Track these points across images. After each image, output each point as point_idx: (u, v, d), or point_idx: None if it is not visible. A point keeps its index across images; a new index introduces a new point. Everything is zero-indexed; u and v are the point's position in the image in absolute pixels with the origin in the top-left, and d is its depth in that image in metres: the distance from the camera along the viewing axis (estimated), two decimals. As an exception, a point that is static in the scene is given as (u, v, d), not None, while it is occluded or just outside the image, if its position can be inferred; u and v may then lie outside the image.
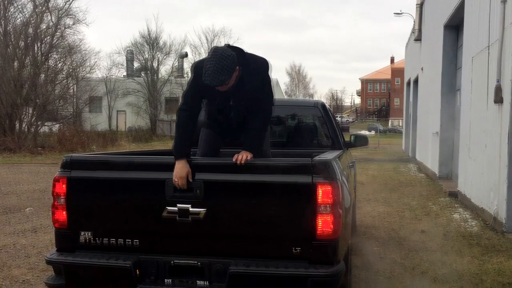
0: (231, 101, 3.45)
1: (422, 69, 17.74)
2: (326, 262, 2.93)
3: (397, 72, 72.15)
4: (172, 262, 3.03)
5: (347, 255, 3.48)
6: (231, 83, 3.24)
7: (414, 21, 20.16)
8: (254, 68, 3.40)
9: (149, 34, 44.47)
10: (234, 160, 3.09)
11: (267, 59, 3.50)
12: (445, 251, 5.86)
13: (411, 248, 5.97)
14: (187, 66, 44.96)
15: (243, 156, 3.10)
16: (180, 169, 3.04)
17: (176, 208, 3.01)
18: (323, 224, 2.93)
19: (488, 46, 7.86)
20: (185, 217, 2.99)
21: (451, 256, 5.65)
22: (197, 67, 3.37)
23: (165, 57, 45.33)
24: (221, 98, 3.42)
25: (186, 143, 3.26)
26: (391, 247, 6.03)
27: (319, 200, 2.93)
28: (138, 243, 3.10)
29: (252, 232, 3.02)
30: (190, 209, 3.00)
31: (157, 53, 45.03)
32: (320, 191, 2.93)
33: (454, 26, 12.17)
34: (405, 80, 26.37)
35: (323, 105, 5.37)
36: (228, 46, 3.33)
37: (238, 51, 3.33)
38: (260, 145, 3.51)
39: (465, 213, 8.38)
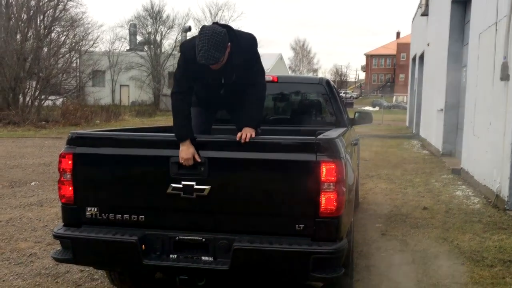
0: (222, 79, 3.45)
1: (428, 44, 17.54)
2: (329, 239, 2.97)
3: (403, 47, 71.38)
4: (177, 237, 3.07)
5: (349, 232, 3.52)
6: (224, 61, 3.24)
7: (421, -4, 19.82)
8: (244, 44, 3.40)
9: (152, 8, 44.12)
10: (237, 138, 3.10)
11: (253, 34, 3.51)
12: (446, 228, 5.91)
13: (413, 225, 6.02)
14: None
15: (247, 135, 3.11)
16: (186, 150, 3.06)
17: (180, 185, 3.03)
18: (327, 201, 2.96)
19: (496, 23, 7.76)
20: (189, 194, 3.02)
21: (452, 233, 5.70)
22: (186, 46, 3.39)
23: (168, 31, 45.03)
24: (211, 76, 3.41)
25: (187, 124, 3.28)
26: (394, 223, 6.08)
27: (322, 178, 2.95)
28: (143, 218, 3.14)
29: (256, 209, 3.05)
30: (195, 186, 3.03)
31: (160, 26, 44.70)
32: (324, 169, 2.95)
33: (462, 1, 11.99)
34: (411, 56, 26.10)
35: (327, 82, 5.34)
36: (215, 23, 3.30)
37: (227, 27, 3.32)
38: (260, 120, 3.52)
39: (467, 190, 8.42)
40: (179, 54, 3.50)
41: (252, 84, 3.50)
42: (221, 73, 3.38)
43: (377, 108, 51.52)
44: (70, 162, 3.21)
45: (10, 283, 4.10)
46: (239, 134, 3.12)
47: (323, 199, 2.95)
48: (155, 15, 44.16)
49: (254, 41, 3.48)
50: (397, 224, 6.07)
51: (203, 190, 3.02)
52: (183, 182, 3.03)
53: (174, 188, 3.04)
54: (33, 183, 8.57)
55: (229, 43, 3.23)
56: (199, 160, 3.04)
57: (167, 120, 26.80)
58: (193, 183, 3.02)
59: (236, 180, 3.08)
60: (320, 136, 3.13)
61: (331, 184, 2.95)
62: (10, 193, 7.73)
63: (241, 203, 3.06)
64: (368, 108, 54.97)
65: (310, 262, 2.88)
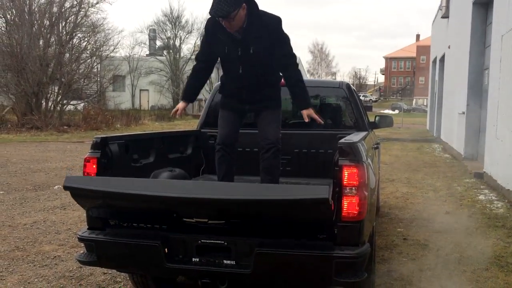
0: (239, 50, 3.49)
1: (449, 46, 17.36)
2: (352, 244, 2.95)
3: (422, 49, 70.69)
4: (199, 241, 3.09)
5: (371, 236, 3.50)
6: (237, 22, 3.33)
7: (441, -2, 19.63)
8: (267, 21, 3.50)
9: (171, 13, 44.70)
10: (307, 121, 3.56)
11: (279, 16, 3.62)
12: (469, 233, 5.83)
13: (435, 230, 5.95)
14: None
15: (315, 116, 3.58)
16: (178, 105, 3.84)
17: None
18: (349, 206, 2.94)
19: (519, 24, 7.65)
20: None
21: (475, 238, 5.62)
22: (209, 21, 3.58)
23: (187, 35, 45.52)
24: (229, 46, 3.50)
25: (192, 90, 3.86)
26: (415, 228, 6.02)
27: (344, 182, 2.94)
28: (166, 227, 3.17)
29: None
30: None
31: (180, 31, 45.14)
32: (345, 173, 2.94)
33: (483, 2, 11.84)
34: (431, 58, 25.84)
35: (348, 86, 5.32)
36: None
37: None
38: (309, 98, 3.76)
39: (491, 194, 8.29)
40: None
41: (283, 69, 3.62)
42: (238, 43, 3.48)
43: (396, 111, 51.08)
44: (94, 166, 3.26)
45: (35, 285, 4.18)
46: (306, 118, 3.58)
47: (345, 203, 2.94)
48: (174, 20, 44.68)
49: (280, 22, 3.56)
50: (418, 228, 6.00)
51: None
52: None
53: None
54: (56, 186, 8.71)
55: (245, 5, 3.35)
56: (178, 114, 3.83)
57: (186, 124, 27.01)
58: None
59: None
60: (342, 141, 3.13)
61: (353, 188, 2.94)
62: (34, 196, 7.88)
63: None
64: (388, 111, 54.56)
65: (333, 267, 2.87)
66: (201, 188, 2.90)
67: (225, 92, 3.85)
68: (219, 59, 3.74)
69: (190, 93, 3.91)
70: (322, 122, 3.72)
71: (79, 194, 2.98)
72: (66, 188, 2.89)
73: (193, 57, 37.45)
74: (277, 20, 3.53)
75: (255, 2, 3.49)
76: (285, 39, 3.59)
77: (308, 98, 3.71)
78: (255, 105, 3.72)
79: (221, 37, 3.47)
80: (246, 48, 3.48)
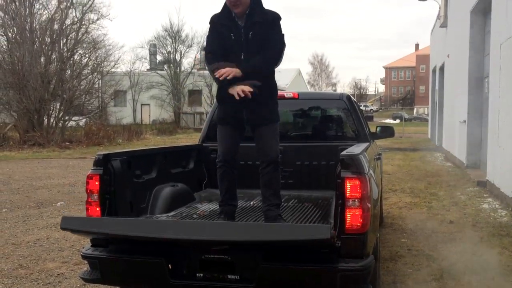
0: (243, 36, 3.54)
1: (448, 55, 17.42)
2: (356, 256, 2.94)
3: (422, 59, 70.96)
4: (203, 256, 3.08)
5: (375, 248, 3.49)
6: (243, 4, 3.47)
7: (439, 7, 19.76)
8: (268, 13, 3.62)
9: (171, 27, 44.83)
10: (231, 94, 3.38)
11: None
12: (474, 242, 5.80)
13: (439, 239, 5.92)
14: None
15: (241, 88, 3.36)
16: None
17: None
18: (352, 218, 2.94)
19: (517, 32, 7.68)
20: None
21: (480, 247, 5.59)
22: (212, 16, 3.67)
23: (187, 49, 45.64)
24: (234, 32, 3.55)
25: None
26: (419, 238, 6.00)
27: (347, 194, 2.94)
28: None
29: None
30: None
31: (180, 46, 45.30)
32: (348, 185, 2.94)
33: (481, 11, 11.90)
34: (431, 67, 25.92)
35: (348, 97, 5.34)
36: None
37: None
38: (253, 68, 3.49)
39: (494, 202, 8.26)
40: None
41: (265, 49, 3.56)
42: (242, 29, 3.55)
43: (397, 121, 51.12)
44: (97, 183, 3.27)
45: (39, 303, 4.16)
46: (232, 90, 3.39)
47: (348, 215, 2.94)
48: (175, 35, 44.86)
49: (280, 17, 3.64)
50: (423, 239, 5.97)
51: None
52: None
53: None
54: (59, 203, 8.71)
55: None
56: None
57: (187, 138, 27.06)
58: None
59: None
60: (344, 153, 3.13)
61: (356, 200, 2.94)
62: (37, 213, 7.87)
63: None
64: (389, 120, 54.60)
65: (338, 280, 2.86)
66: (202, 230, 2.86)
67: (222, 92, 3.64)
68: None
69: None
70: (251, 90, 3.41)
71: (77, 233, 3.03)
72: (63, 229, 2.94)
73: (194, 71, 37.33)
74: (276, 15, 3.65)
75: None
76: (281, 33, 3.64)
77: (252, 67, 3.48)
78: (254, 114, 3.60)
79: (227, 24, 3.56)
80: (247, 34, 3.56)
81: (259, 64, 3.52)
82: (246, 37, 3.54)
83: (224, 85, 3.52)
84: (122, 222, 3.02)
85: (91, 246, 3.31)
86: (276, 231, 2.83)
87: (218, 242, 2.83)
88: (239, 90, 3.39)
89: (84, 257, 3.26)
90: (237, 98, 3.39)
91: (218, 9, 3.69)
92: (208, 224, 3.12)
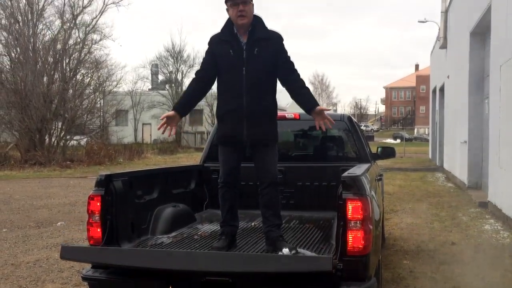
0: (244, 53, 3.56)
1: (448, 76, 17.52)
2: (358, 279, 2.93)
3: (422, 79, 71.36)
4: (204, 278, 3.06)
5: (378, 270, 3.47)
6: (249, 14, 3.53)
7: (439, 29, 19.94)
8: (268, 31, 3.67)
9: (173, 48, 45.21)
10: (318, 128, 3.58)
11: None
12: (477, 264, 5.76)
13: (441, 261, 5.88)
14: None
15: (326, 121, 3.57)
16: (167, 113, 3.56)
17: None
18: (354, 240, 2.93)
19: (517, 54, 7.75)
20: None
21: (483, 269, 5.55)
22: (212, 36, 3.72)
23: (189, 69, 45.95)
24: (234, 47, 3.58)
25: (185, 103, 3.70)
26: (421, 260, 5.95)
27: (349, 216, 2.94)
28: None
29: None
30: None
31: (181, 66, 45.62)
32: (350, 207, 2.94)
33: (481, 33, 12.00)
34: (431, 88, 26.05)
35: (349, 118, 5.37)
36: None
37: None
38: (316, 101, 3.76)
39: (496, 224, 8.22)
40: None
41: (289, 72, 3.67)
42: (244, 46, 3.57)
43: (398, 141, 51.13)
44: (98, 204, 3.27)
45: (38, 325, 4.11)
46: (319, 124, 3.59)
47: (350, 237, 2.93)
48: (176, 55, 45.26)
49: (282, 38, 3.71)
50: (425, 260, 5.93)
51: None
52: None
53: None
54: (59, 223, 8.68)
55: (252, 1, 3.57)
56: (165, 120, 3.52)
57: (188, 158, 27.06)
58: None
59: None
60: (345, 174, 3.14)
61: (358, 222, 2.93)
62: (37, 233, 7.84)
63: None
64: (389, 140, 54.62)
65: (339, 303, 2.84)
66: (203, 260, 2.90)
67: (222, 110, 3.67)
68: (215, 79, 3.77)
69: (185, 104, 3.71)
70: (333, 122, 3.67)
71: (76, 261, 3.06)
72: (63, 258, 2.95)
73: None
74: (279, 35, 3.70)
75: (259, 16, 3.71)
76: (287, 52, 3.71)
77: (315, 99, 3.75)
78: (253, 134, 3.56)
79: (228, 40, 3.59)
80: (251, 50, 3.57)
81: (307, 91, 3.73)
82: (249, 53, 3.56)
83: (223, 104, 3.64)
84: (121, 252, 3.00)
85: (91, 267, 3.30)
86: (276, 263, 2.83)
87: (219, 273, 2.89)
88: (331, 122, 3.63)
89: (84, 278, 3.24)
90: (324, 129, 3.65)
91: (219, 29, 3.72)
92: (209, 255, 3.07)
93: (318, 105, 3.60)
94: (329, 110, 3.71)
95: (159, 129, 3.56)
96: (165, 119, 3.54)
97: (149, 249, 3.40)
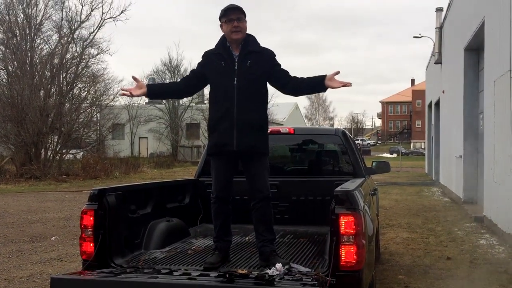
0: (236, 64, 3.61)
1: (443, 91, 17.64)
2: (351, 294, 2.92)
3: (418, 94, 71.73)
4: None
5: (371, 285, 3.46)
6: (243, 29, 3.61)
7: (434, 44, 20.14)
8: (261, 47, 3.75)
9: (170, 62, 45.34)
10: (341, 85, 3.58)
11: None
12: (472, 279, 5.75)
13: (437, 276, 5.87)
14: (207, 92, 45.42)
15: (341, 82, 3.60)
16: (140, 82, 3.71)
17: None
18: (347, 255, 2.94)
19: (510, 70, 7.81)
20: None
21: (478, 284, 5.54)
22: (205, 52, 3.80)
23: (185, 84, 46.03)
24: (226, 60, 3.64)
25: (159, 86, 4.37)
26: (417, 275, 5.94)
27: (341, 230, 2.94)
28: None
29: None
30: None
31: (178, 79, 45.72)
32: (342, 222, 2.95)
33: (475, 48, 12.12)
34: (427, 103, 26.20)
35: (343, 133, 5.39)
36: None
37: None
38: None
39: (491, 239, 8.21)
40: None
41: (288, 77, 3.75)
42: (236, 58, 3.63)
43: (394, 155, 51.25)
44: (91, 218, 3.27)
45: None
46: (339, 84, 3.60)
47: (343, 252, 2.93)
48: (173, 69, 45.35)
49: (274, 54, 3.80)
50: (420, 275, 5.92)
51: None
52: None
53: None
54: (53, 237, 8.63)
55: (245, 19, 3.67)
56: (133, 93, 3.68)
57: (184, 172, 27.01)
58: None
59: None
60: (338, 189, 3.15)
61: (351, 236, 2.94)
62: (31, 248, 7.78)
63: None
64: (386, 155, 54.73)
65: (332, 318, 2.83)
66: None
67: (213, 120, 3.68)
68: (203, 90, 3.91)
69: (158, 86, 4.12)
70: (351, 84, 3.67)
71: None
72: None
73: (192, 104, 37.50)
74: (272, 51, 3.79)
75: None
76: (280, 65, 3.79)
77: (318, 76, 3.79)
78: (243, 144, 3.55)
79: (220, 53, 3.67)
80: (243, 62, 3.63)
81: (307, 77, 3.79)
82: (241, 65, 3.61)
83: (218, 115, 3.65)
84: (114, 283, 2.95)
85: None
86: None
87: None
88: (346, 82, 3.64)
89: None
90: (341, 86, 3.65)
91: (215, 44, 3.80)
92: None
93: (325, 75, 3.65)
94: (338, 73, 3.69)
95: (121, 94, 3.79)
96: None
97: (139, 280, 3.07)
